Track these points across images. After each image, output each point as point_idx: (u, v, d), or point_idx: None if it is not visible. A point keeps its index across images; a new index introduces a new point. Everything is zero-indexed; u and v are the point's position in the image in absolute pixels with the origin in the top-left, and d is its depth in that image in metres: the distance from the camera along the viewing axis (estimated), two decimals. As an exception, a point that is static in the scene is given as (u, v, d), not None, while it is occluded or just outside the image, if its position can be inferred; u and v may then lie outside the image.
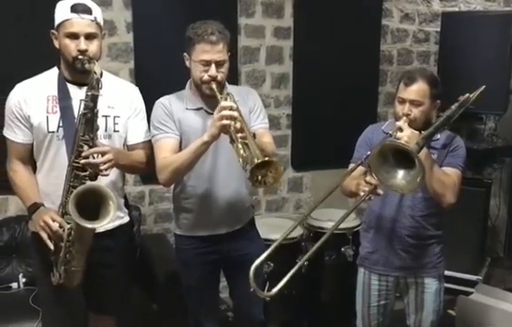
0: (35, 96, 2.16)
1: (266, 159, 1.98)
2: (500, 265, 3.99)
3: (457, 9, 4.11)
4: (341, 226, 3.07)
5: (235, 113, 2.09)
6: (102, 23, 2.18)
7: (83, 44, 2.07)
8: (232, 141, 2.09)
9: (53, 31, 2.14)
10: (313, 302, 3.42)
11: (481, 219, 3.77)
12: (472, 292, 3.28)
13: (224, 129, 2.08)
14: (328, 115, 3.91)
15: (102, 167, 2.04)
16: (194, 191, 2.37)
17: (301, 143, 3.94)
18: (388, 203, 2.39)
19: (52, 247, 2.08)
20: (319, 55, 3.82)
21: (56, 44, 2.14)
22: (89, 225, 1.98)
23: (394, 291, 2.51)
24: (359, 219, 3.36)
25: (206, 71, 2.23)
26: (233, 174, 2.37)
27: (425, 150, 2.11)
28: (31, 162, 2.24)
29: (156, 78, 3.35)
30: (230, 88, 2.38)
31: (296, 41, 3.81)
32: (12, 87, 2.21)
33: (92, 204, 2.00)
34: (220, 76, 2.24)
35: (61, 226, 2.05)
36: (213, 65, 2.22)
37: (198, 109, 2.34)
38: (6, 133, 2.21)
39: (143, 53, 3.42)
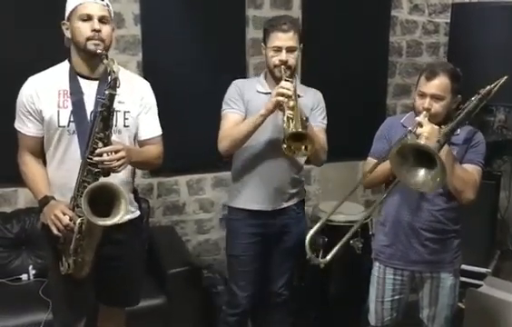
0: (47, 90, 2.16)
1: (299, 131, 2.23)
2: (510, 258, 3.96)
3: (467, 0, 4.07)
4: (350, 219, 3.10)
5: (290, 93, 2.32)
6: (112, 13, 2.20)
7: (96, 24, 2.10)
8: (283, 115, 2.34)
9: (63, 21, 2.16)
10: (322, 294, 3.42)
11: (491, 211, 3.75)
12: (481, 285, 3.27)
13: (278, 104, 2.34)
14: (336, 107, 3.85)
15: (114, 164, 2.06)
16: (249, 165, 2.63)
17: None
18: (406, 196, 2.36)
19: (61, 239, 2.10)
20: (327, 47, 3.80)
21: (68, 33, 2.15)
22: (101, 223, 2.01)
23: (409, 285, 2.48)
24: (367, 212, 3.35)
25: (278, 56, 2.48)
26: (287, 157, 2.55)
27: (446, 147, 2.08)
28: (42, 154, 2.25)
29: (164, 70, 3.35)
30: (299, 86, 2.60)
31: (304, 33, 3.77)
32: (23, 81, 2.21)
33: (104, 200, 2.03)
34: (290, 61, 2.48)
35: (71, 219, 2.06)
36: (284, 51, 2.48)
37: (266, 93, 2.57)
38: (18, 126, 2.22)
39: (151, 45, 3.42)
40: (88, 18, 2.10)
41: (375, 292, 2.52)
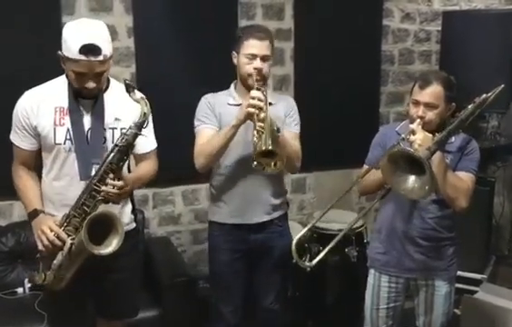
0: (43, 107, 2.14)
1: (269, 148, 2.18)
2: (505, 263, 3.98)
3: (458, 8, 4.11)
4: (344, 227, 3.09)
5: (261, 104, 2.26)
6: (110, 53, 2.08)
7: (91, 83, 2.06)
8: (254, 128, 2.28)
9: (60, 54, 2.05)
10: (317, 303, 3.42)
11: (485, 217, 3.77)
12: (477, 291, 3.27)
13: (249, 116, 2.28)
14: (330, 116, 3.91)
15: (118, 199, 2.11)
16: (228, 180, 2.55)
17: (304, 144, 3.89)
18: (400, 204, 2.37)
19: (44, 252, 2.10)
20: (320, 56, 3.84)
21: (64, 66, 2.09)
22: (96, 252, 2.02)
23: (404, 293, 2.49)
24: (362, 220, 3.35)
25: (252, 64, 2.43)
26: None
27: (439, 154, 2.09)
28: (36, 167, 2.24)
29: (157, 82, 3.36)
30: (272, 94, 2.59)
31: (297, 42, 3.82)
32: (19, 93, 2.19)
33: (100, 224, 2.05)
34: (265, 69, 2.44)
35: (59, 237, 2.05)
36: (259, 59, 2.43)
37: (238, 105, 2.48)
38: (13, 138, 2.21)
39: (144, 57, 3.44)
40: (82, 75, 2.05)
41: (370, 299, 2.53)
